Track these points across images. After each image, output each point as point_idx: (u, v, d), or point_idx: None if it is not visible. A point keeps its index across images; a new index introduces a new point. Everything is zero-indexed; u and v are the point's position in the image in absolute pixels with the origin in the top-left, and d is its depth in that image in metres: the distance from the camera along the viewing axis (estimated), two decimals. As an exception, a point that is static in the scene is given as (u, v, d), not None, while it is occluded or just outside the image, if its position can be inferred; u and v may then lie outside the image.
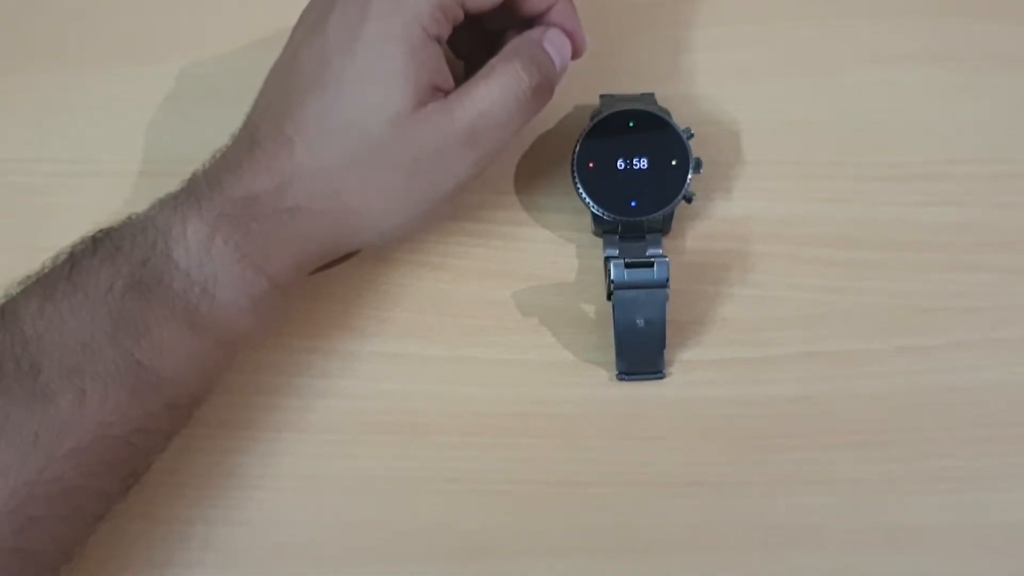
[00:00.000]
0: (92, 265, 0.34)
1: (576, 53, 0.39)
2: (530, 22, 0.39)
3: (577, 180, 0.40)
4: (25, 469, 0.32)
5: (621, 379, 0.41)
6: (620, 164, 0.40)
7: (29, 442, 0.32)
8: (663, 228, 0.41)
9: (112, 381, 0.33)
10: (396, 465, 0.41)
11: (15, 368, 0.33)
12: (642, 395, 0.41)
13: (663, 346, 0.40)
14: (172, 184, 0.36)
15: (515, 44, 0.37)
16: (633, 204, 0.40)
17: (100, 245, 0.35)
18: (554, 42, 0.37)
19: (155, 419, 0.35)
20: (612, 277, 0.39)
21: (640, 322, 0.39)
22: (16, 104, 0.45)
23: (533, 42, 0.37)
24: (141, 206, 0.36)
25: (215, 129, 0.37)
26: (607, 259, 0.40)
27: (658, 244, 0.40)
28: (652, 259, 0.39)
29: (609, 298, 0.40)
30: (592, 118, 0.41)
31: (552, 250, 0.43)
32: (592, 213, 0.40)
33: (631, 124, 0.40)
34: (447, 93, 0.36)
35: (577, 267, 0.43)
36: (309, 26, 0.37)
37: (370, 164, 0.35)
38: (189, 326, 0.34)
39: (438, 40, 0.36)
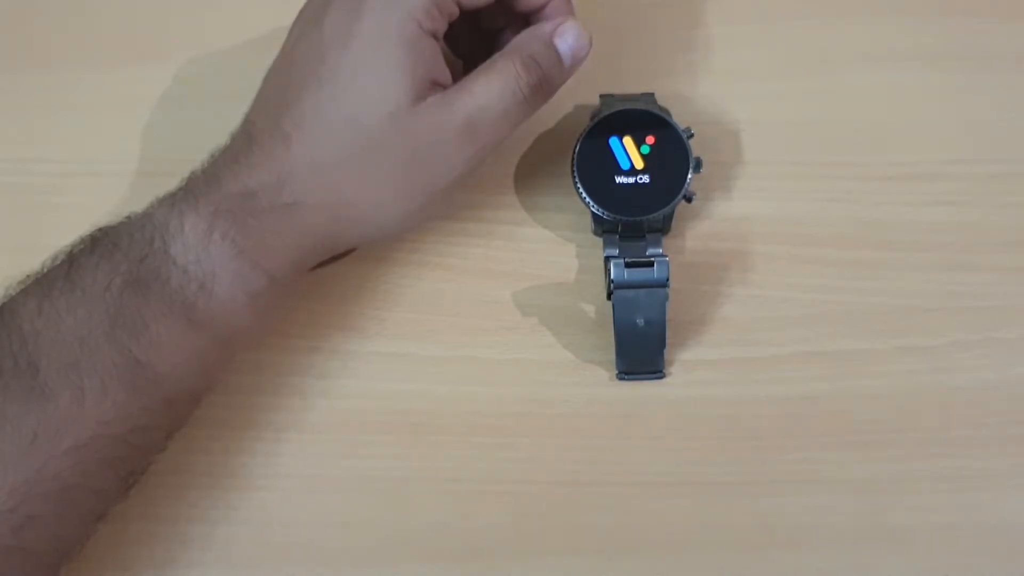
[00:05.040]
0: (90, 263, 0.34)
1: None
2: (526, 19, 0.39)
3: (577, 180, 0.40)
4: (24, 467, 0.32)
5: (621, 379, 0.41)
6: (620, 164, 0.40)
7: (27, 440, 0.32)
8: (663, 228, 0.41)
9: (110, 378, 0.33)
10: (396, 465, 0.41)
11: (13, 366, 0.33)
12: (642, 395, 0.41)
13: (663, 346, 0.40)
14: (172, 184, 0.36)
15: (520, 39, 0.37)
16: (633, 204, 0.40)
17: (98, 243, 0.35)
18: (567, 38, 0.37)
19: (153, 416, 0.35)
20: (612, 277, 0.39)
21: (640, 322, 0.39)
22: (16, 104, 0.45)
23: (539, 38, 0.37)
24: (141, 206, 0.36)
25: (215, 129, 0.37)
26: (607, 259, 0.40)
27: (658, 244, 0.40)
28: (652, 259, 0.39)
29: (609, 298, 0.40)
30: (592, 118, 0.41)
31: (552, 250, 0.43)
32: (592, 213, 0.40)
33: (631, 124, 0.40)
34: (446, 88, 0.36)
35: (577, 267, 0.43)
36: (306, 23, 0.37)
37: (367, 157, 0.35)
38: (187, 322, 0.34)
39: (434, 35, 0.36)
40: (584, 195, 0.40)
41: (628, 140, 0.40)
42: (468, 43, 0.41)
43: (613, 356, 0.40)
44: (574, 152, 0.40)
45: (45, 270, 0.35)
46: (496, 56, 0.37)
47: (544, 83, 0.37)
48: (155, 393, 0.34)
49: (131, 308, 0.34)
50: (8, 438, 0.32)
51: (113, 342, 0.33)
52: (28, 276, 0.35)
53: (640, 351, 0.40)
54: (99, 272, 0.34)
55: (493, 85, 0.36)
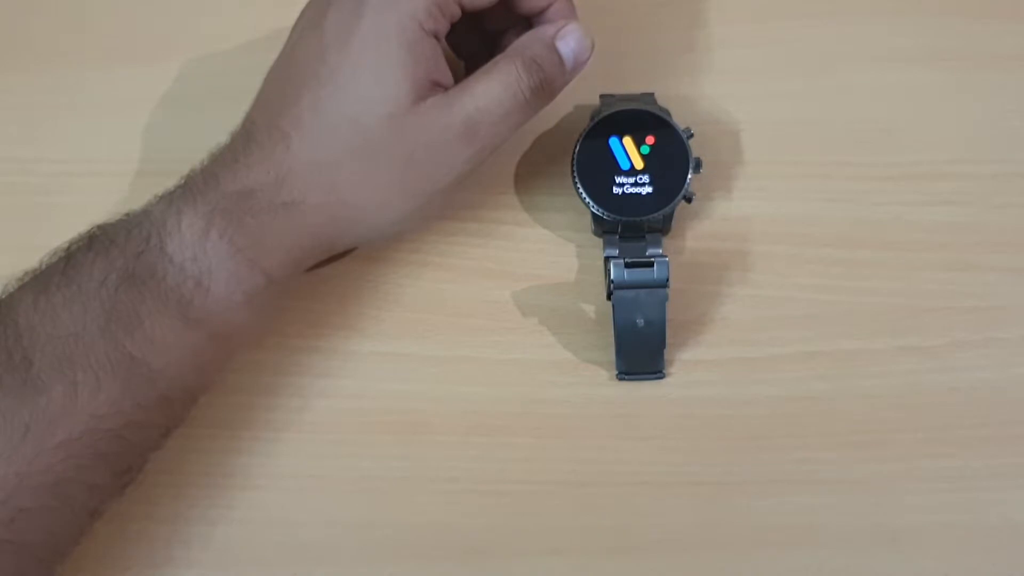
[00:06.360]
0: (87, 259, 0.34)
1: None
2: (529, 21, 0.39)
3: (577, 180, 0.40)
4: (16, 459, 0.32)
5: (621, 379, 0.41)
6: (620, 164, 0.40)
7: (20, 433, 0.32)
8: (663, 228, 0.41)
9: (104, 373, 0.33)
10: (396, 465, 0.41)
11: (7, 360, 0.33)
12: (642, 395, 0.41)
13: (663, 346, 0.40)
14: (171, 184, 0.36)
15: (522, 41, 0.37)
16: (633, 204, 0.40)
17: (95, 240, 0.35)
18: (569, 41, 0.37)
19: (148, 413, 0.35)
20: (612, 277, 0.39)
21: (640, 322, 0.39)
22: (16, 104, 0.45)
23: (541, 41, 0.37)
24: (140, 206, 0.36)
25: (215, 129, 0.37)
26: (607, 259, 0.40)
27: (658, 244, 0.40)
28: (652, 259, 0.39)
29: (609, 298, 0.40)
30: (592, 118, 0.41)
31: (552, 250, 0.43)
32: (592, 213, 0.40)
33: (631, 124, 0.40)
34: (447, 88, 0.36)
35: (577, 267, 0.43)
36: (307, 24, 0.37)
37: (366, 158, 0.35)
38: (182, 319, 0.34)
39: (435, 36, 0.36)
40: (584, 195, 0.40)
41: (628, 140, 0.40)
42: (470, 44, 0.41)
43: (613, 356, 0.40)
44: (574, 152, 0.40)
45: (43, 266, 0.35)
46: (498, 58, 0.37)
47: (545, 85, 0.37)
48: (149, 390, 0.34)
49: (126, 304, 0.34)
50: (0, 430, 0.32)
51: (108, 337, 0.33)
52: (26, 273, 0.35)
53: (640, 351, 0.40)
54: (95, 268, 0.34)
55: (494, 86, 0.36)
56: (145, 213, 0.35)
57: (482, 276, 0.42)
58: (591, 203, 0.40)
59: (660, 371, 0.41)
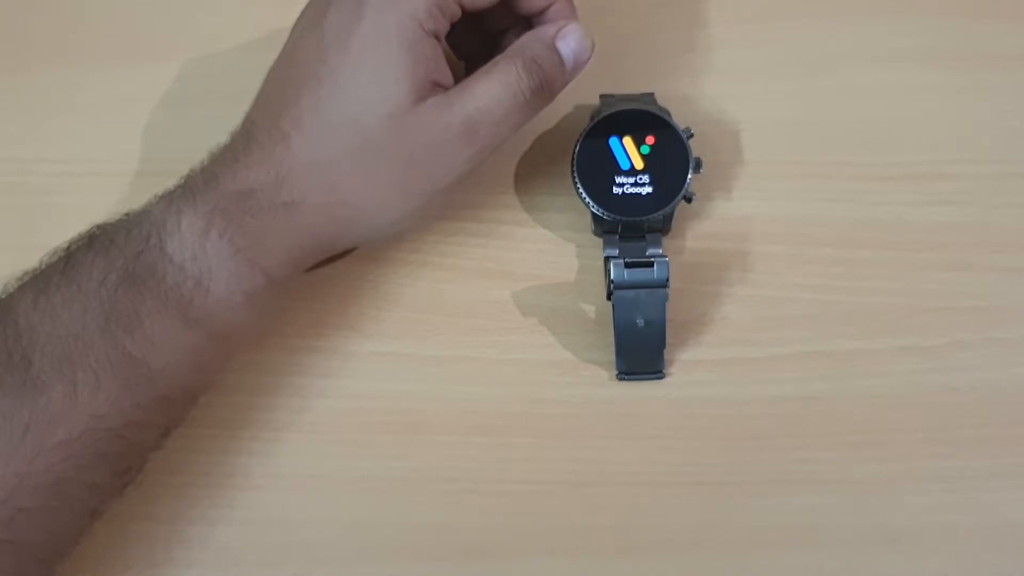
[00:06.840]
0: (86, 259, 0.34)
1: None
2: (529, 21, 0.39)
3: (577, 180, 0.40)
4: (15, 459, 0.32)
5: (621, 379, 0.41)
6: (620, 164, 0.40)
7: (19, 432, 0.32)
8: (663, 228, 0.41)
9: (103, 373, 0.33)
10: (396, 465, 0.41)
11: (7, 359, 0.33)
12: (642, 395, 0.41)
13: (663, 346, 0.40)
14: (171, 184, 0.36)
15: (523, 42, 0.37)
16: (633, 204, 0.40)
17: (95, 240, 0.35)
18: (569, 42, 0.37)
19: (148, 412, 0.35)
20: (612, 277, 0.39)
21: (640, 322, 0.39)
22: (16, 104, 0.45)
23: (541, 41, 0.37)
24: (140, 206, 0.36)
25: (215, 129, 0.37)
26: (607, 259, 0.40)
27: (658, 244, 0.40)
28: (652, 259, 0.39)
29: (609, 298, 0.40)
30: (592, 118, 0.41)
31: (552, 250, 0.43)
32: (592, 213, 0.40)
33: (631, 124, 0.40)
34: (447, 89, 0.36)
35: (577, 267, 0.43)
36: (307, 24, 0.37)
37: (366, 158, 0.35)
38: (181, 319, 0.34)
39: (436, 36, 0.36)
40: (584, 195, 0.40)
41: (628, 140, 0.40)
42: (470, 44, 0.41)
43: (613, 356, 0.40)
44: (574, 152, 0.40)
45: (43, 266, 0.35)
46: (498, 58, 0.37)
47: (545, 86, 0.37)
48: (149, 389, 0.34)
49: (125, 303, 0.34)
50: (0, 430, 0.32)
51: (107, 337, 0.34)
52: (26, 272, 0.35)
53: (640, 351, 0.40)
54: (95, 268, 0.34)
55: (494, 87, 0.36)
56: (145, 213, 0.35)
57: (482, 276, 0.42)
58: (591, 203, 0.40)
59: (660, 371, 0.41)
